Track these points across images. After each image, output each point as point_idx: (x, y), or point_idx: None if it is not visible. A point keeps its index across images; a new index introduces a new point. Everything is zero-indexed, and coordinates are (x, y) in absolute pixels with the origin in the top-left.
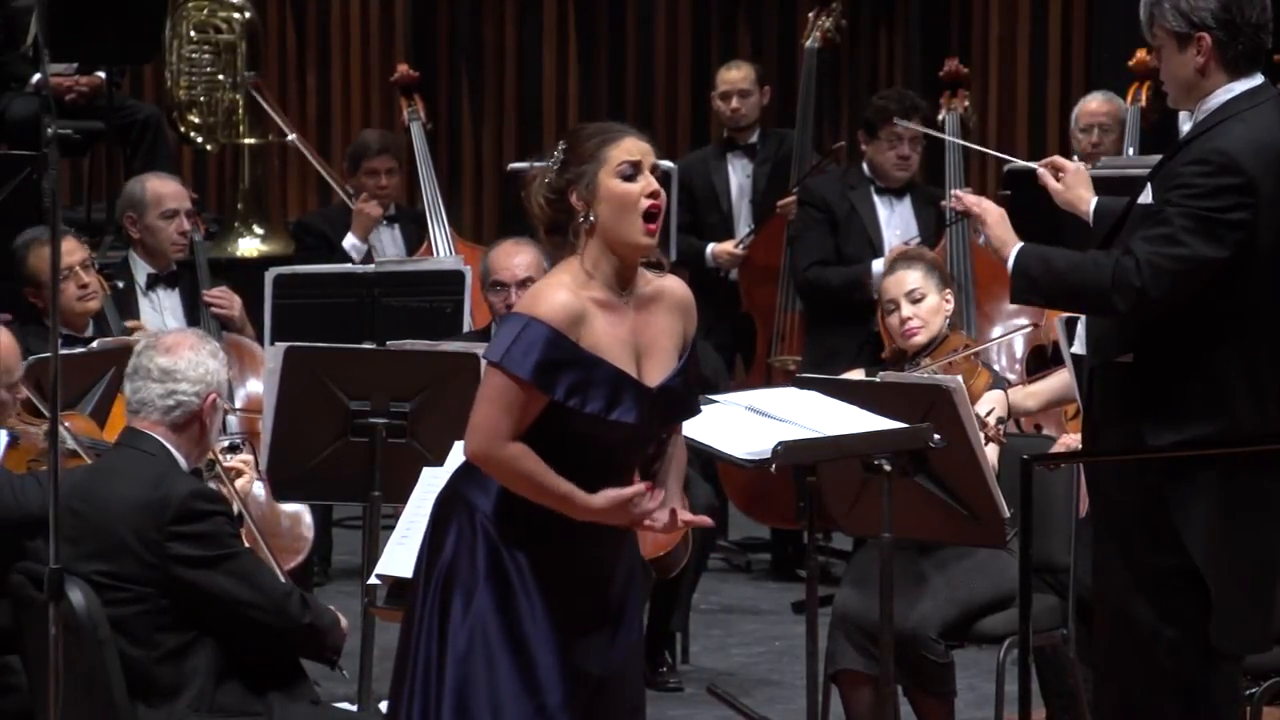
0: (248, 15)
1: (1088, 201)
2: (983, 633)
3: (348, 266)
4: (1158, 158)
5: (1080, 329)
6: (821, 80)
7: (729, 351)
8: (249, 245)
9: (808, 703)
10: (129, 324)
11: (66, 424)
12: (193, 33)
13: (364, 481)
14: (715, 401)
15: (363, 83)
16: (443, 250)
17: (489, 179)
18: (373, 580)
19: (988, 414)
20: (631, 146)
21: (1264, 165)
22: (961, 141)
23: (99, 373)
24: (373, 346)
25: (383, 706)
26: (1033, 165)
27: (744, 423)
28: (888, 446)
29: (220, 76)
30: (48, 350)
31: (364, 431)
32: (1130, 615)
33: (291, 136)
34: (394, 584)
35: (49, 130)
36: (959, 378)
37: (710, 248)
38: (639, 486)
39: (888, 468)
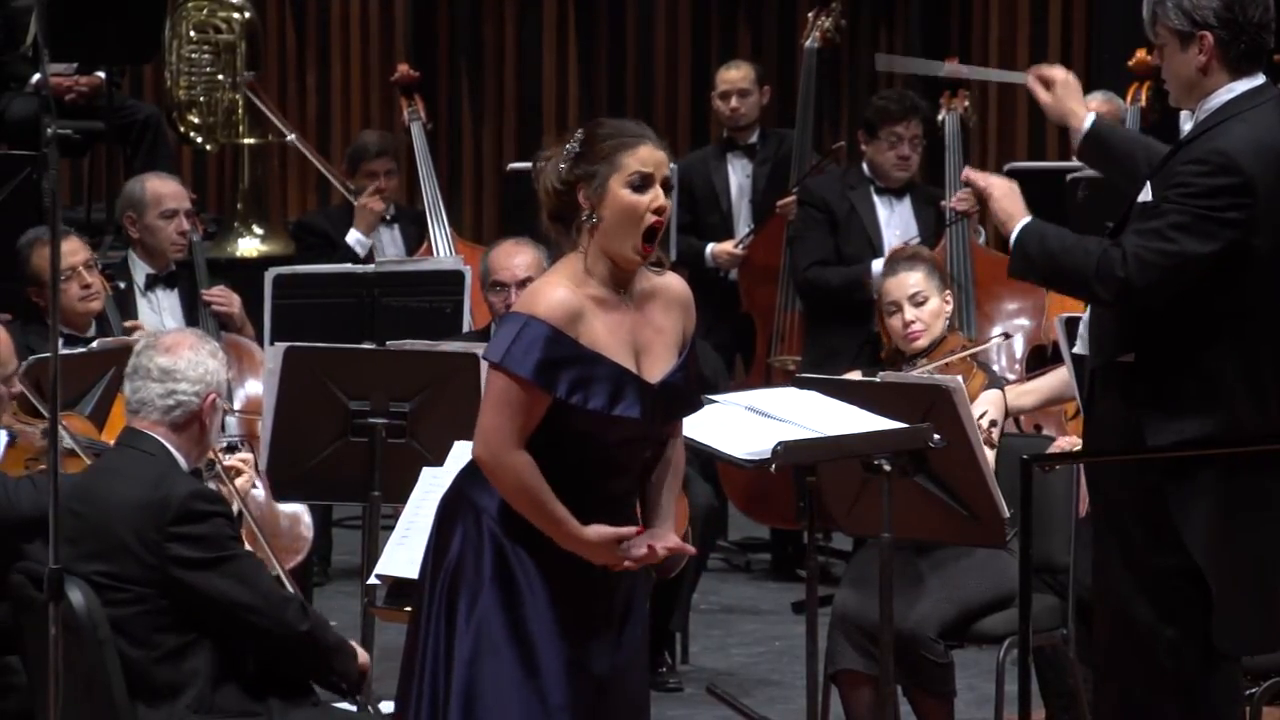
0: (247, 15)
1: (1081, 116)
2: (982, 633)
3: (347, 266)
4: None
5: (1082, 328)
6: (821, 80)
7: (729, 351)
8: (249, 245)
9: (808, 703)
10: (128, 324)
11: (63, 424)
12: (193, 33)
13: (364, 481)
14: (715, 401)
15: (363, 83)
16: (443, 250)
17: (489, 179)
18: (372, 580)
19: (980, 416)
20: (647, 156)
21: (1264, 165)
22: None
23: (99, 373)
24: (373, 346)
25: (383, 707)
26: (1020, 76)
27: (744, 423)
28: (888, 446)
29: (220, 76)
30: (48, 350)
31: (364, 431)
32: (1130, 615)
33: (291, 136)
34: (394, 584)
35: (49, 130)
36: (959, 378)
37: (710, 248)
38: (631, 529)
39: (888, 468)
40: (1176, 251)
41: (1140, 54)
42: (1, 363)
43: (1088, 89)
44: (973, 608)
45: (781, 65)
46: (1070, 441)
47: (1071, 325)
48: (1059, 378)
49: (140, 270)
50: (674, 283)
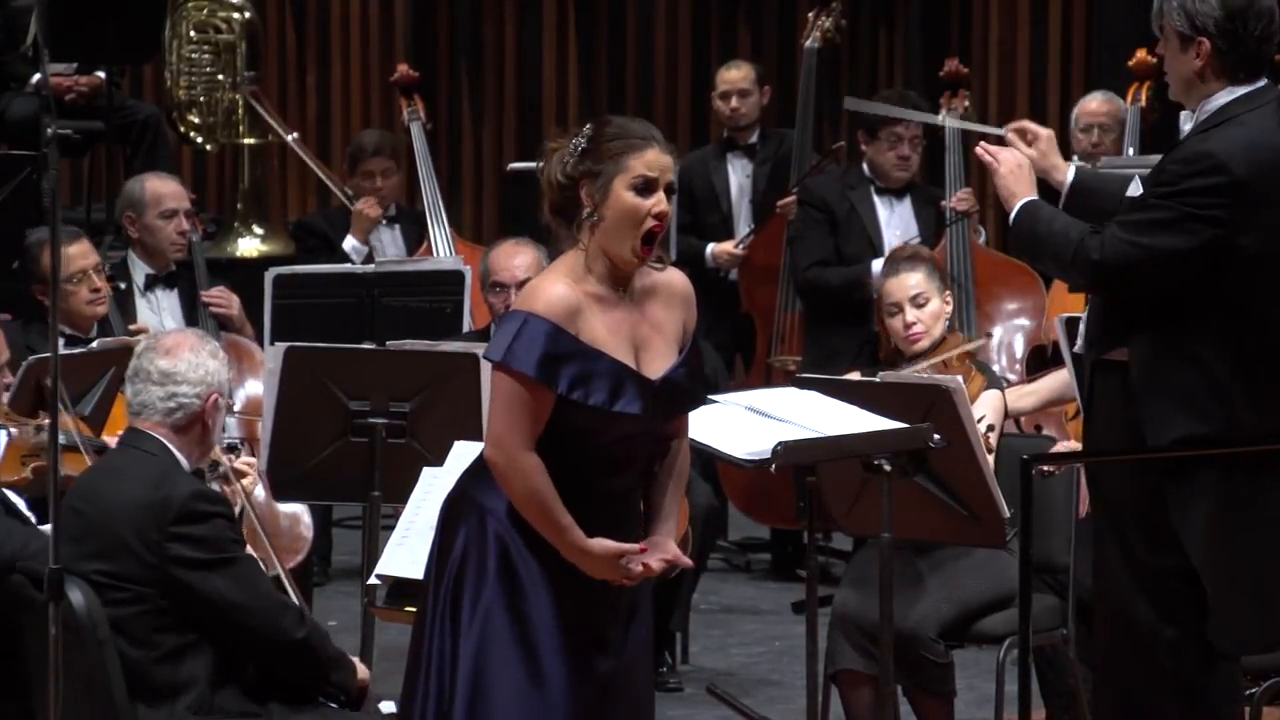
0: (247, 15)
1: (1063, 170)
2: (982, 633)
3: (347, 266)
4: (1158, 157)
5: (1082, 327)
6: (821, 80)
7: (729, 351)
8: (249, 245)
9: (808, 703)
10: (133, 327)
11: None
12: (193, 33)
13: (364, 481)
14: (715, 401)
15: (363, 83)
16: (443, 250)
17: (489, 179)
18: (372, 580)
19: (979, 420)
20: (653, 160)
21: (1258, 167)
22: (961, 124)
23: (99, 373)
24: (373, 346)
25: (383, 707)
26: (1001, 131)
27: (744, 423)
28: (888, 446)
29: (220, 77)
30: (49, 350)
31: (364, 431)
32: (1130, 615)
33: (293, 136)
34: (394, 584)
35: (49, 130)
36: (959, 377)
37: (710, 248)
38: (635, 545)
39: (888, 468)
40: (1151, 245)
41: (1140, 54)
42: None
43: (1088, 89)
44: (973, 608)
45: (781, 65)
46: (1071, 445)
47: (1071, 325)
48: (1059, 379)
49: (140, 270)
50: (675, 278)
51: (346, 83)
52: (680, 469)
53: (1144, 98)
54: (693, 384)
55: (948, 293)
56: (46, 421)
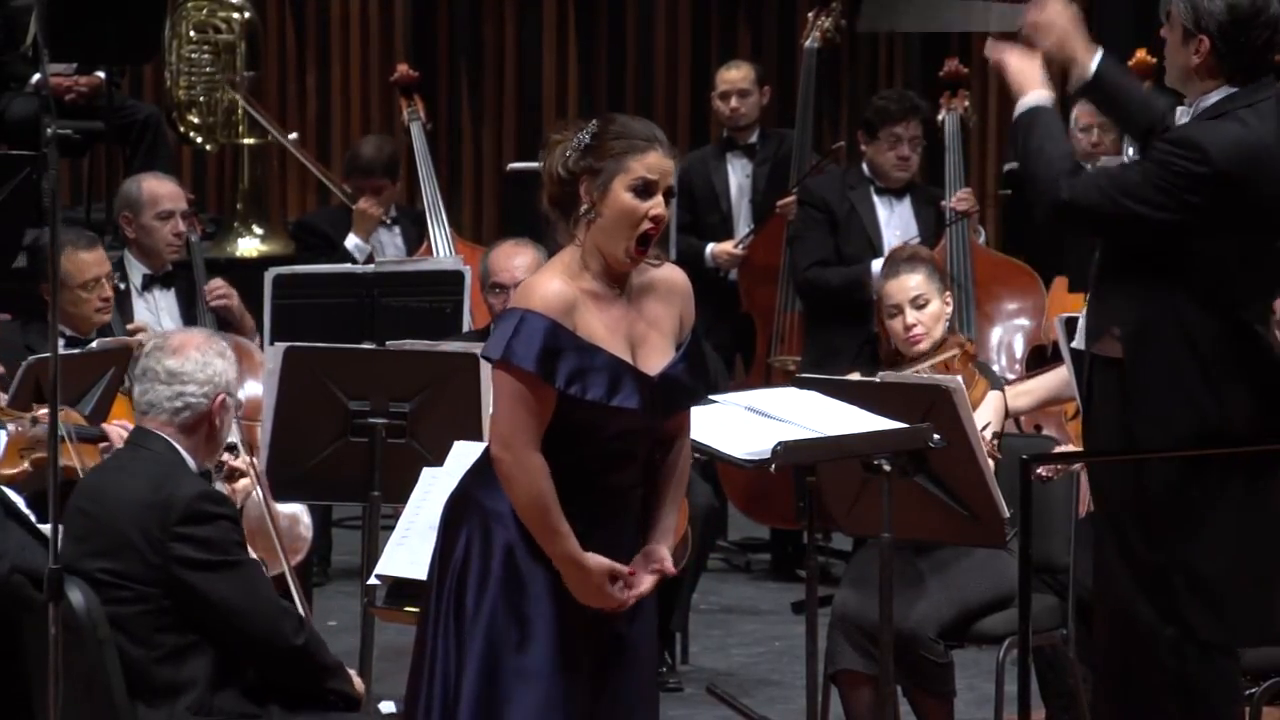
0: (247, 15)
1: (1084, 64)
2: (982, 633)
3: (347, 266)
4: None
5: (1081, 324)
6: (821, 80)
7: (729, 351)
8: (248, 245)
9: (807, 703)
10: (131, 326)
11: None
12: (192, 33)
13: (364, 481)
14: (715, 401)
15: (363, 83)
16: (442, 250)
17: (489, 179)
18: (372, 580)
19: (983, 428)
20: (654, 163)
21: (1247, 164)
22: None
23: (99, 373)
24: (372, 346)
25: (383, 707)
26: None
27: (744, 423)
28: (888, 446)
29: (220, 76)
30: (48, 350)
31: (364, 431)
32: (1130, 615)
33: (292, 137)
34: (393, 584)
35: (49, 130)
36: (958, 377)
37: (710, 248)
38: (625, 568)
39: (888, 468)
40: (1120, 202)
41: (1140, 54)
42: None
43: None
44: (972, 608)
45: (781, 65)
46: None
47: (1071, 325)
48: (1058, 377)
49: (137, 270)
50: (672, 273)
51: (346, 83)
52: (680, 474)
53: None
54: (693, 380)
55: (948, 293)
56: (41, 413)
